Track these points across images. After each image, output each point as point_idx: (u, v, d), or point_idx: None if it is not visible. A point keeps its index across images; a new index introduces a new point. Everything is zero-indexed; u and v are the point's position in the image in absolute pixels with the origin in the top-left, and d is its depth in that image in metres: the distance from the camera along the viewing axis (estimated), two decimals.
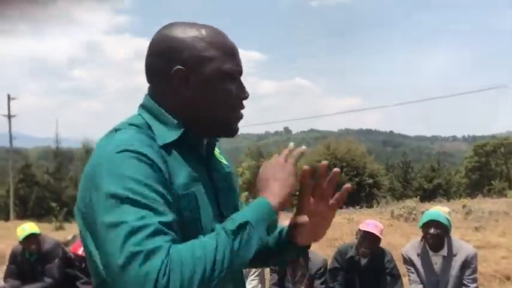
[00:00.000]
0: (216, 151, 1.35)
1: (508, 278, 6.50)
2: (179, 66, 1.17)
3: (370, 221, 4.31)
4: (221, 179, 1.29)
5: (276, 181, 1.18)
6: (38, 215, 26.61)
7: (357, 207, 21.07)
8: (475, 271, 3.92)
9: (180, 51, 1.18)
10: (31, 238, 4.86)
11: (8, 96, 32.26)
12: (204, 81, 1.18)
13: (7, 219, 26.07)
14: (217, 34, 1.22)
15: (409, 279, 4.09)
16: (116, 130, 1.15)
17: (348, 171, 30.93)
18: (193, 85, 1.18)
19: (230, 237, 1.03)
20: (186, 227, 1.08)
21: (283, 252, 1.39)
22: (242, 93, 1.24)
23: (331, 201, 1.31)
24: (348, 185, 1.26)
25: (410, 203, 15.42)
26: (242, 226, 1.05)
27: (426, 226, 3.87)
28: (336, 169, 1.27)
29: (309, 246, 1.41)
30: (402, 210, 13.82)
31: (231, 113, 1.24)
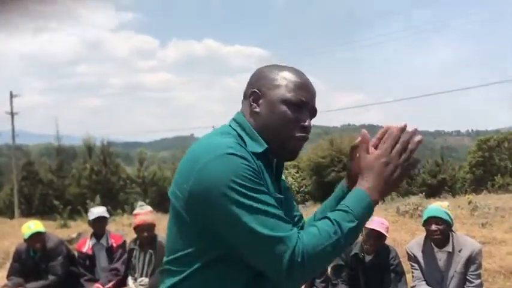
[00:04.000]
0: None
1: None
2: (254, 89, 1.46)
3: (375, 218, 4.28)
4: (285, 192, 1.51)
5: (383, 177, 1.38)
6: (42, 213, 26.66)
7: None
8: (479, 267, 3.91)
9: (259, 79, 1.48)
10: (36, 236, 4.86)
11: (11, 93, 32.31)
12: (269, 104, 1.43)
13: (12, 217, 26.14)
14: (295, 72, 1.47)
15: (413, 276, 4.08)
16: (218, 133, 1.42)
17: None
18: (262, 106, 1.44)
19: (344, 231, 1.29)
20: None
21: None
22: (301, 122, 1.43)
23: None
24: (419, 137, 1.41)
25: (415, 199, 15.37)
26: (352, 224, 1.31)
27: (427, 223, 3.87)
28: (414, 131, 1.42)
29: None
30: (408, 207, 13.78)
31: (287, 137, 1.42)
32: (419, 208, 13.26)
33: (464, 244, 3.87)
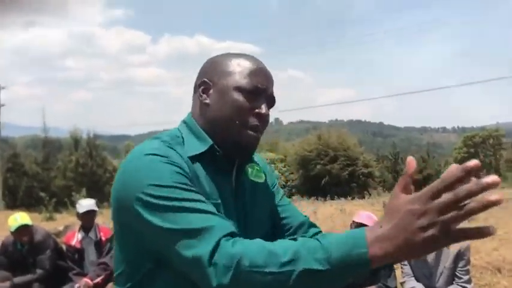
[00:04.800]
0: (255, 168, 1.36)
1: (499, 270, 6.53)
2: (204, 79, 1.29)
3: (364, 212, 4.29)
4: (247, 198, 1.30)
5: (406, 231, 0.85)
6: (27, 205, 26.42)
7: (349, 198, 21.17)
8: (468, 263, 3.94)
9: (210, 68, 1.30)
10: (23, 229, 4.78)
11: None
12: (221, 92, 1.25)
13: None
14: (250, 58, 1.30)
15: (402, 272, 4.10)
16: (150, 138, 1.24)
17: (341, 161, 31.02)
18: (213, 96, 1.26)
19: (298, 269, 0.90)
20: None
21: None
22: (257, 109, 1.24)
23: None
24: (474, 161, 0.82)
25: None
26: (316, 268, 0.89)
27: None
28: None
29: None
30: None
31: (240, 128, 1.23)
32: None
33: None
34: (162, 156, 1.11)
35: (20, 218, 4.86)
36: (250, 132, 1.23)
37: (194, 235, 0.99)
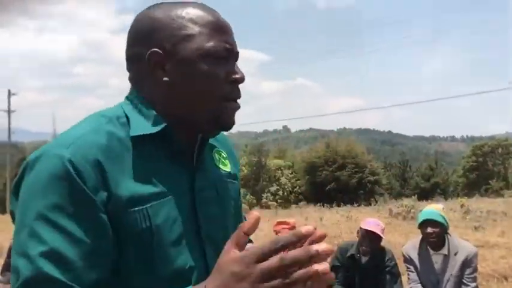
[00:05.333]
0: (221, 154, 1.16)
1: (506, 278, 6.49)
2: (154, 49, 0.98)
3: (371, 219, 4.29)
4: (210, 188, 1.06)
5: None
6: None
7: (355, 205, 21.13)
8: (475, 270, 3.91)
9: (156, 32, 0.99)
10: None
11: (9, 91, 32.41)
12: (182, 64, 0.98)
13: (4, 212, 26.12)
14: (202, 10, 1.02)
15: (408, 278, 4.08)
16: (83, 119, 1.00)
17: (349, 169, 31.00)
18: (171, 69, 0.99)
19: None
20: (135, 249, 0.91)
21: None
22: (233, 75, 1.01)
23: None
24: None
25: (408, 201, 15.47)
26: None
27: (423, 226, 3.86)
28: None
29: None
30: (400, 209, 13.85)
31: (219, 101, 1.00)
32: (412, 210, 13.33)
33: (460, 247, 3.88)
34: (62, 166, 0.87)
35: None
36: (232, 104, 1.02)
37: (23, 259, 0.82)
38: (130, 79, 1.06)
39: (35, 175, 0.88)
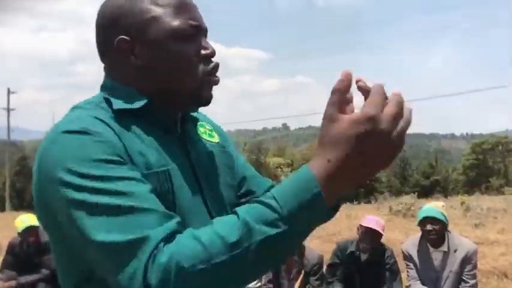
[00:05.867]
0: (206, 127, 1.16)
1: (506, 275, 6.51)
2: (121, 36, 0.98)
3: (371, 217, 4.29)
4: (204, 158, 1.06)
5: (362, 154, 0.73)
6: (33, 207, 26.62)
7: (355, 202, 21.14)
8: (475, 267, 3.92)
9: (120, 18, 0.99)
10: (30, 230, 4.84)
11: (8, 90, 32.47)
12: (151, 47, 0.98)
13: (3, 210, 26.17)
14: None
15: (408, 275, 4.08)
16: (73, 107, 0.99)
17: None
18: (140, 54, 0.98)
19: (255, 241, 0.73)
20: None
21: None
22: (203, 51, 1.00)
23: None
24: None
25: (408, 199, 15.48)
26: (274, 231, 0.73)
27: (423, 223, 3.88)
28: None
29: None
30: (400, 206, 13.87)
31: (194, 78, 0.99)
32: (412, 208, 13.34)
33: (460, 244, 3.88)
34: (83, 132, 0.85)
35: (27, 219, 4.92)
36: (209, 79, 1.01)
37: (127, 249, 0.76)
38: (105, 70, 1.06)
39: (61, 149, 0.85)
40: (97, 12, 1.05)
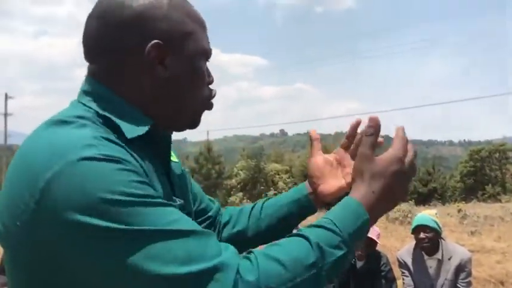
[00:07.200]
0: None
1: (502, 283, 6.50)
2: (156, 41, 0.89)
3: None
4: (177, 180, 1.03)
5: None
6: None
7: None
8: (469, 275, 3.92)
9: (150, 20, 0.89)
10: None
11: (6, 95, 32.51)
12: (183, 61, 0.93)
13: None
14: (187, 3, 0.97)
15: (403, 283, 4.09)
16: (61, 121, 0.82)
17: None
18: (171, 65, 0.91)
19: (328, 262, 0.81)
20: None
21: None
22: (210, 77, 1.00)
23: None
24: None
25: (405, 206, 15.47)
26: (340, 253, 0.83)
27: (416, 232, 3.92)
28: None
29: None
30: (397, 214, 13.86)
31: (201, 99, 0.98)
32: (409, 215, 13.34)
33: (454, 252, 3.89)
34: (110, 159, 0.74)
35: None
36: (210, 103, 1.01)
37: (206, 278, 0.71)
38: (100, 72, 0.92)
39: (83, 183, 0.71)
40: (103, 3, 0.92)
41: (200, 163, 33.99)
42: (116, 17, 0.89)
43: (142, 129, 0.87)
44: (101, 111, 0.86)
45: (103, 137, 0.78)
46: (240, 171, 31.52)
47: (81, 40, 0.94)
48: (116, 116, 0.87)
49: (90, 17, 0.92)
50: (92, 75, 0.93)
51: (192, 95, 0.95)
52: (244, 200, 26.77)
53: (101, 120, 0.85)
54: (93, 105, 0.88)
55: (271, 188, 29.28)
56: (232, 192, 30.18)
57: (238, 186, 30.27)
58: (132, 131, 0.86)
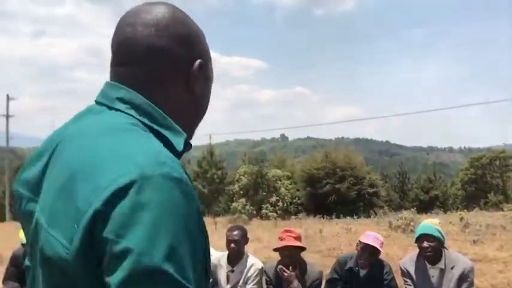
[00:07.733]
0: None
1: None
2: (201, 60, 0.94)
3: (370, 233, 4.33)
4: None
5: None
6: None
7: (355, 217, 21.12)
8: (471, 284, 3.95)
9: (198, 40, 0.95)
10: None
11: (7, 96, 32.43)
12: (205, 81, 0.97)
13: (3, 220, 25.99)
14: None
15: None
16: (121, 129, 0.80)
17: (348, 181, 30.95)
18: (203, 85, 0.96)
19: None
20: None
21: None
22: None
23: None
24: None
25: (407, 214, 15.48)
26: None
27: (419, 240, 3.93)
28: None
29: None
30: (400, 222, 13.86)
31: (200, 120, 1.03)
32: (411, 223, 13.33)
33: (457, 261, 3.92)
34: (186, 184, 0.74)
35: None
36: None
37: None
38: (133, 78, 0.89)
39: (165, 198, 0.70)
40: (173, 14, 0.93)
41: (203, 167, 33.90)
42: (173, 30, 0.91)
43: (182, 143, 0.86)
44: (147, 122, 0.85)
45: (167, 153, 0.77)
46: (242, 177, 31.46)
47: (113, 41, 0.93)
48: (162, 127, 0.86)
49: (134, 23, 0.90)
50: (123, 81, 0.90)
51: (203, 115, 1.01)
52: (247, 206, 26.71)
53: (147, 130, 0.84)
54: (134, 113, 0.86)
55: (274, 194, 29.21)
56: (234, 198, 30.11)
57: (241, 192, 30.19)
58: (179, 144, 0.85)
